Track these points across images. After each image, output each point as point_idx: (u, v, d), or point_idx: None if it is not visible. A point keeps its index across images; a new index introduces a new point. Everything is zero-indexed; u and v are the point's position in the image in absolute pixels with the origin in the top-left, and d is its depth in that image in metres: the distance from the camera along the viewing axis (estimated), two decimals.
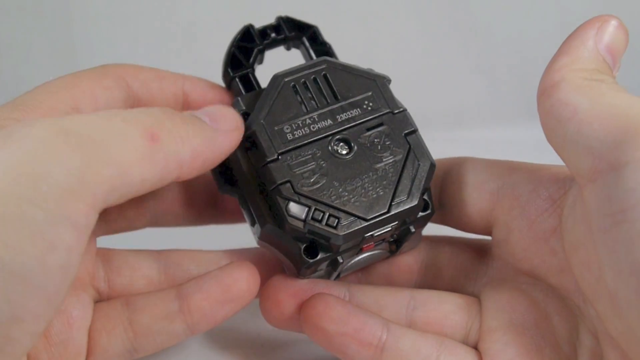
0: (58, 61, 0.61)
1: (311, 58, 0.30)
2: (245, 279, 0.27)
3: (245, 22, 0.30)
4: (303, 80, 0.27)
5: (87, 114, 0.21)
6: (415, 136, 0.27)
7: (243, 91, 0.28)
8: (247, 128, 0.26)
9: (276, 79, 0.27)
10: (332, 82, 0.27)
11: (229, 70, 0.29)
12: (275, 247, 0.27)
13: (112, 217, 0.28)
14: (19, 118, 0.23)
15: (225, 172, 0.27)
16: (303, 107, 0.27)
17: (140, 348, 0.27)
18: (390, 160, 0.27)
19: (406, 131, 0.27)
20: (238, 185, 0.27)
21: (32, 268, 0.18)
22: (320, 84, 0.27)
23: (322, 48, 0.30)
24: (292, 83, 0.27)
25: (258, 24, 0.31)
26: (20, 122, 0.21)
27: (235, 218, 0.31)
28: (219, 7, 0.59)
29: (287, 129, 0.26)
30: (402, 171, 0.26)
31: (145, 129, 0.21)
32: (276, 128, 0.26)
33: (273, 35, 0.30)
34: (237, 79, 0.29)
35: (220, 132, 0.24)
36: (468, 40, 0.60)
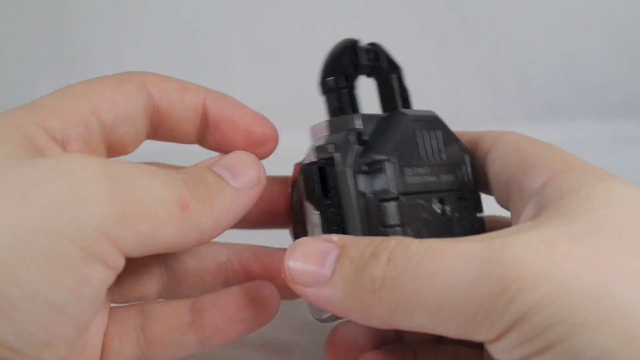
0: (58, 61, 0.61)
1: (393, 99, 0.29)
2: (264, 299, 0.27)
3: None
4: (424, 129, 0.27)
5: (134, 164, 0.22)
6: (483, 219, 0.28)
7: (347, 106, 0.28)
8: (370, 152, 0.26)
9: (403, 119, 0.27)
10: (439, 139, 0.27)
11: (341, 80, 0.28)
12: None
13: None
14: (39, 122, 0.24)
15: (322, 177, 0.26)
16: (420, 156, 0.26)
17: (150, 356, 0.27)
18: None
19: (479, 214, 0.28)
20: (329, 198, 0.26)
21: (66, 299, 0.19)
22: (433, 140, 0.27)
23: (405, 93, 0.30)
24: (415, 128, 0.27)
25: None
26: (71, 154, 0.21)
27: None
28: (219, 7, 0.59)
29: (408, 172, 0.26)
30: None
31: (179, 197, 0.22)
32: (403, 166, 0.26)
33: (368, 60, 0.29)
34: (346, 91, 0.28)
35: (242, 192, 0.25)
36: (468, 41, 0.60)
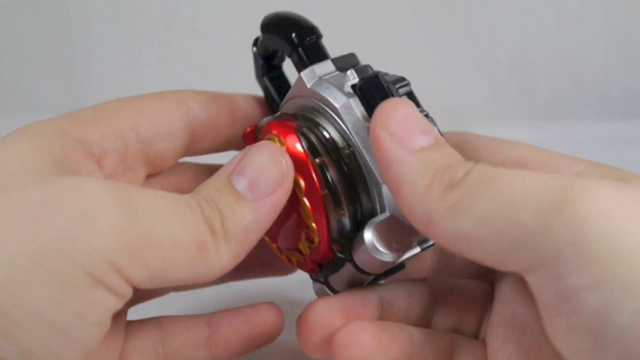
0: (58, 61, 0.61)
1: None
2: (272, 320, 0.28)
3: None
4: None
5: (154, 193, 0.22)
6: None
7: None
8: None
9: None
10: None
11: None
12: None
13: None
14: (78, 134, 0.24)
15: None
16: None
17: None
18: None
19: None
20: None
21: (71, 322, 0.19)
22: None
23: None
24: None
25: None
26: (94, 179, 0.21)
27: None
28: (220, 7, 0.59)
29: None
30: None
31: (198, 237, 0.22)
32: None
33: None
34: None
35: (260, 204, 0.23)
36: (468, 40, 0.60)
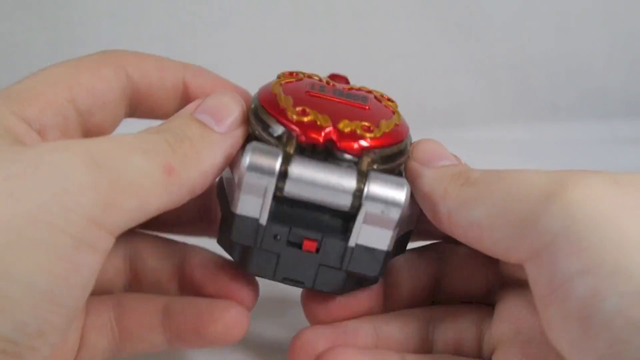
0: (58, 60, 0.61)
1: None
2: (227, 320, 0.27)
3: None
4: None
5: (109, 140, 0.22)
6: None
7: None
8: None
9: None
10: None
11: None
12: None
13: None
14: (16, 111, 0.24)
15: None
16: None
17: (123, 349, 0.28)
18: None
19: None
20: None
21: (58, 287, 0.20)
22: None
23: None
24: None
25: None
26: (51, 143, 0.21)
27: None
28: (220, 7, 0.59)
29: None
30: None
31: (163, 162, 0.22)
32: None
33: None
34: None
35: (227, 135, 0.25)
36: (468, 40, 0.60)
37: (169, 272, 0.29)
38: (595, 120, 0.61)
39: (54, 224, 0.19)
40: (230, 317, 0.27)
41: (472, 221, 0.23)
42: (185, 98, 0.29)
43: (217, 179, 0.27)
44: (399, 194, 0.24)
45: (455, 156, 0.27)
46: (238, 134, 0.25)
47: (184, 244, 0.30)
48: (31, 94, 0.25)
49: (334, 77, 0.30)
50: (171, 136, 0.23)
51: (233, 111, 0.25)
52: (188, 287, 0.29)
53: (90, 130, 0.26)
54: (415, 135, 0.28)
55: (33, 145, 0.22)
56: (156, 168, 0.22)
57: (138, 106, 0.28)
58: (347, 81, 0.30)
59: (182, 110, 0.25)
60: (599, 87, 0.62)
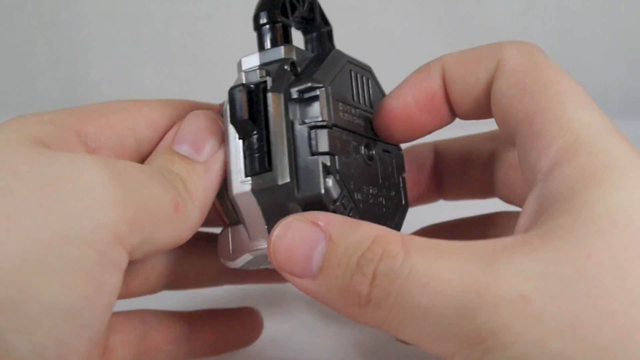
0: (58, 61, 0.61)
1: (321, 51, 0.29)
2: (251, 325, 0.29)
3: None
4: (358, 72, 0.27)
5: (130, 163, 0.22)
6: (404, 179, 0.28)
7: (282, 39, 0.26)
8: (303, 79, 0.24)
9: (340, 56, 0.26)
10: (371, 91, 0.27)
11: (276, 11, 0.26)
12: (262, 206, 0.25)
13: None
14: (75, 126, 0.24)
15: (250, 100, 0.24)
16: (352, 97, 0.26)
17: None
18: (393, 192, 0.27)
19: (403, 174, 0.28)
20: (256, 124, 0.24)
21: (82, 308, 0.19)
22: (366, 86, 0.27)
23: (332, 49, 0.30)
24: (351, 69, 0.26)
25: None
26: (77, 155, 0.21)
27: None
28: (219, 7, 0.59)
29: (340, 107, 0.25)
30: (393, 205, 0.27)
31: (173, 198, 0.22)
32: (337, 100, 0.25)
33: (303, 11, 0.28)
34: (280, 25, 0.26)
35: (211, 162, 0.24)
36: (468, 40, 0.60)
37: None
38: None
39: (83, 238, 0.19)
40: (255, 320, 0.29)
41: (400, 338, 0.20)
42: None
43: None
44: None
45: (314, 220, 0.22)
46: (221, 157, 0.25)
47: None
48: (94, 114, 0.25)
49: None
50: (166, 175, 0.23)
51: (209, 134, 0.25)
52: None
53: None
54: None
55: (61, 152, 0.21)
56: (169, 202, 0.22)
57: None
58: None
59: (161, 145, 0.25)
60: (598, 87, 0.62)
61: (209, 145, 0.24)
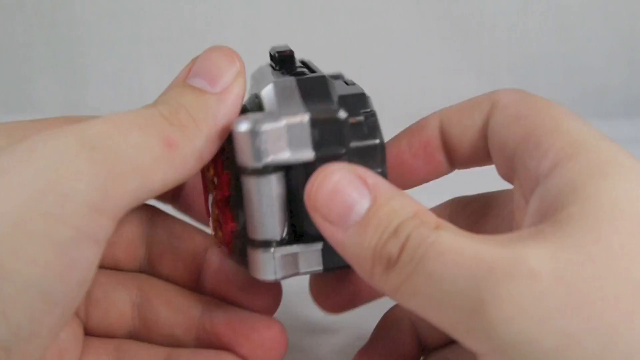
0: (58, 61, 0.61)
1: None
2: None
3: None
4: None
5: (103, 121, 0.21)
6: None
7: None
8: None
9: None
10: None
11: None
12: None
13: None
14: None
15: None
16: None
17: None
18: None
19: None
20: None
21: (55, 285, 0.19)
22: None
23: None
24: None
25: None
26: (42, 133, 0.20)
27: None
28: (219, 7, 0.59)
29: None
30: None
31: (162, 136, 0.21)
32: None
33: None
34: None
35: (225, 93, 0.24)
36: (468, 40, 0.60)
37: (184, 325, 0.27)
38: (595, 120, 0.61)
39: (50, 213, 0.18)
40: None
41: (408, 307, 0.20)
42: None
43: None
44: None
45: (364, 177, 0.22)
46: (237, 89, 0.24)
47: (203, 297, 0.28)
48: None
49: None
50: (166, 108, 0.22)
51: (226, 67, 0.24)
52: (209, 342, 0.27)
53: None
54: None
55: (28, 138, 0.21)
56: (156, 143, 0.21)
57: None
58: None
59: (175, 79, 0.25)
60: (599, 87, 0.62)
61: (226, 77, 0.24)
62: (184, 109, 0.23)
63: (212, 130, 0.23)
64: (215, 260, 0.27)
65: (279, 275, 0.24)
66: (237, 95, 0.24)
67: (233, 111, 0.24)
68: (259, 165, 0.23)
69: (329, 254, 0.25)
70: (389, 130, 0.26)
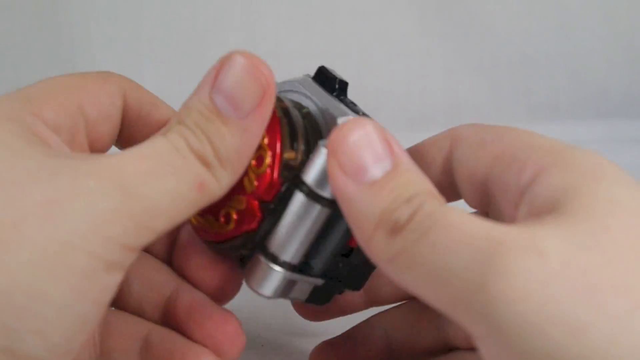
0: (58, 60, 0.61)
1: None
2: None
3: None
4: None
5: (139, 159, 0.21)
6: None
7: None
8: None
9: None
10: None
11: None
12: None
13: None
14: (35, 112, 0.24)
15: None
16: None
17: None
18: None
19: None
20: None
21: (88, 308, 0.20)
22: None
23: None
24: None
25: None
26: (79, 169, 0.21)
27: None
28: (220, 7, 0.59)
29: None
30: None
31: (194, 180, 0.22)
32: None
33: None
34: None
35: (248, 120, 0.23)
36: (468, 40, 0.60)
37: (153, 302, 0.28)
38: (596, 120, 0.61)
39: (88, 250, 0.20)
40: None
41: (403, 283, 0.20)
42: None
43: None
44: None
45: (390, 142, 0.22)
46: (261, 113, 0.23)
47: (177, 278, 0.28)
48: (47, 96, 0.25)
49: None
50: (195, 141, 0.22)
51: (251, 88, 0.23)
52: (171, 323, 0.27)
53: (95, 141, 0.26)
54: (416, 137, 0.28)
55: (67, 162, 0.21)
56: (189, 189, 0.22)
57: (121, 132, 0.28)
58: None
59: (200, 88, 0.23)
60: (599, 87, 0.62)
61: (249, 101, 0.23)
62: (208, 145, 0.22)
63: (236, 165, 0.23)
64: (185, 236, 0.28)
65: (274, 295, 0.25)
66: (259, 122, 0.23)
67: (255, 140, 0.23)
68: (327, 195, 0.23)
69: (318, 292, 0.26)
70: (389, 130, 0.26)
